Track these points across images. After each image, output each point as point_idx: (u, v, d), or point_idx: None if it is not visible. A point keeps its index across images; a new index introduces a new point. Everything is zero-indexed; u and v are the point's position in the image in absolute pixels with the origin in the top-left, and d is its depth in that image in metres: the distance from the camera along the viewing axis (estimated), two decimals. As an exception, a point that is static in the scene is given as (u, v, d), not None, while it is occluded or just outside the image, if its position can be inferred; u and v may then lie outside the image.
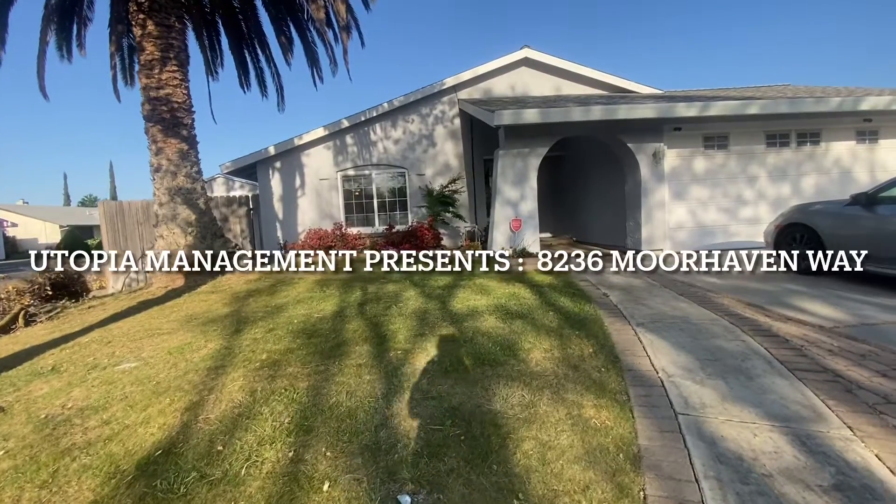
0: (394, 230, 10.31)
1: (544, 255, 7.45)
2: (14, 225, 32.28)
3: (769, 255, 6.14)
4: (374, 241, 10.20)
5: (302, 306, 4.92)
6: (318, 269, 7.64)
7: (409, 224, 10.78)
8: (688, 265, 6.57)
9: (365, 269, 7.49)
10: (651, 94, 10.82)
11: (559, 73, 11.17)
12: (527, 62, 11.14)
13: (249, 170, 11.21)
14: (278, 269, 7.73)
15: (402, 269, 7.19)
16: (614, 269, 6.52)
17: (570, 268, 6.67)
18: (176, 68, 7.33)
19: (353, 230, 10.94)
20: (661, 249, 7.83)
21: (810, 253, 5.43)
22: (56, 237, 32.81)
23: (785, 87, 11.40)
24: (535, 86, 11.22)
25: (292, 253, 9.95)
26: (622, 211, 8.37)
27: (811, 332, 3.46)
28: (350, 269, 7.52)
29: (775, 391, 2.48)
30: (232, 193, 11.65)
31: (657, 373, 2.77)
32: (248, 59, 10.41)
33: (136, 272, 8.89)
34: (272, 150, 10.73)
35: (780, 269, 5.95)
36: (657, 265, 6.52)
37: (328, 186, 11.10)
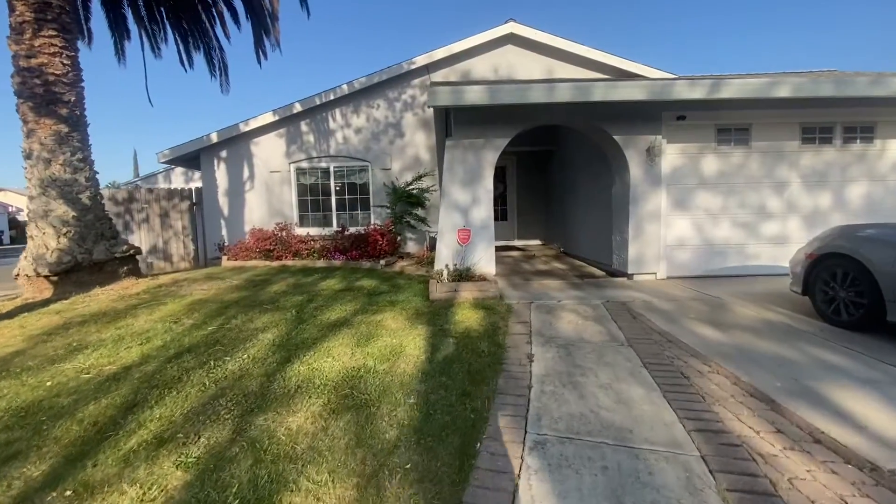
0: (345, 233, 8.83)
1: (494, 279, 5.83)
2: (20, 210, 32.42)
3: (796, 288, 4.36)
4: (323, 246, 8.75)
5: (103, 351, 3.51)
6: (223, 282, 6.25)
7: (369, 226, 9.29)
8: (681, 302, 4.85)
9: (283, 283, 6.07)
10: (662, 77, 8.93)
11: (551, 53, 9.41)
12: (513, 39, 9.43)
13: (193, 159, 9.91)
14: (175, 280, 6.38)
15: (323, 287, 5.75)
16: (579, 301, 4.85)
17: (520, 297, 5.05)
18: (55, 33, 6.02)
19: (304, 231, 9.54)
20: (654, 273, 6.08)
21: (857, 298, 3.69)
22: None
23: (830, 72, 9.29)
24: (522, 67, 9.49)
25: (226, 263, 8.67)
26: (610, 221, 6.64)
27: (849, 487, 1.78)
28: (262, 282, 6.10)
29: None
30: (191, 185, 10.43)
31: None
32: (196, 30, 9.11)
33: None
34: (215, 137, 9.40)
35: (811, 316, 4.18)
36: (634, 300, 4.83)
37: (280, 180, 9.71)
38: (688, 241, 6.17)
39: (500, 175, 11.54)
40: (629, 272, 6.04)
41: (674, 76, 9.30)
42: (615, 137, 5.79)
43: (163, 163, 9.66)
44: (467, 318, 4.18)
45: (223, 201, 9.79)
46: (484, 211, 5.95)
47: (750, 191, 6.16)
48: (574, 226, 8.91)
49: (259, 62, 8.86)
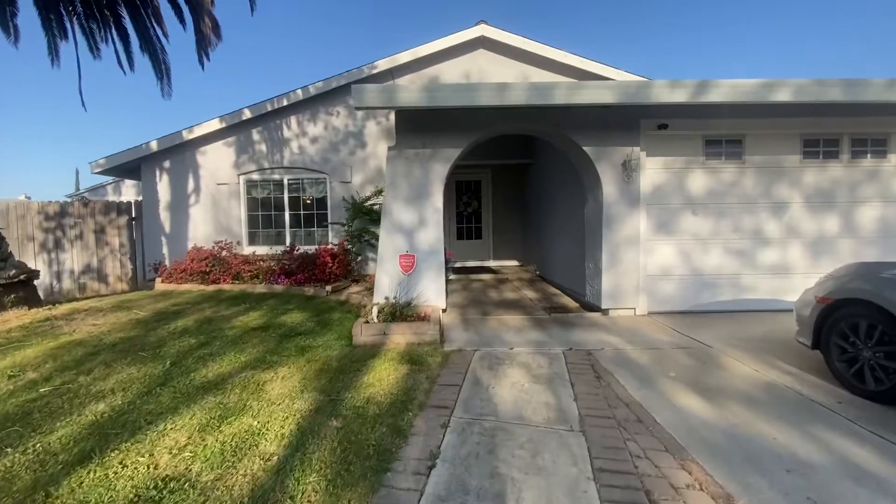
0: (294, 253, 7.89)
1: (439, 318, 4.86)
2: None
3: (802, 336, 3.44)
4: (270, 267, 7.80)
5: None
6: (129, 313, 5.28)
7: (322, 245, 8.37)
8: (661, 351, 3.91)
9: (195, 317, 5.11)
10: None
11: (525, 58, 8.62)
12: (484, 43, 8.65)
13: (134, 170, 9.00)
14: (74, 310, 5.41)
15: (237, 323, 4.81)
16: (535, 349, 3.90)
17: (465, 342, 4.10)
18: (-68, 21, 5.13)
19: (251, 250, 8.61)
20: (633, 308, 5.15)
21: (887, 361, 2.78)
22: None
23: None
24: (495, 73, 8.68)
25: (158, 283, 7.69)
26: (583, 244, 5.74)
27: None
28: (173, 314, 5.14)
29: None
30: (141, 198, 9.45)
31: None
32: (139, 28, 8.25)
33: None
34: (155, 146, 8.50)
35: (826, 378, 3.25)
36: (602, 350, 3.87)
37: (228, 193, 8.79)
38: (672, 270, 5.26)
39: (474, 190, 10.68)
40: (603, 307, 5.11)
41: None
42: (585, 149, 4.92)
43: (96, 173, 8.72)
44: (381, 378, 3.22)
45: (165, 216, 8.85)
46: (432, 233, 5.03)
47: (744, 212, 5.29)
48: (549, 248, 8.01)
49: (201, 63, 7.99)
